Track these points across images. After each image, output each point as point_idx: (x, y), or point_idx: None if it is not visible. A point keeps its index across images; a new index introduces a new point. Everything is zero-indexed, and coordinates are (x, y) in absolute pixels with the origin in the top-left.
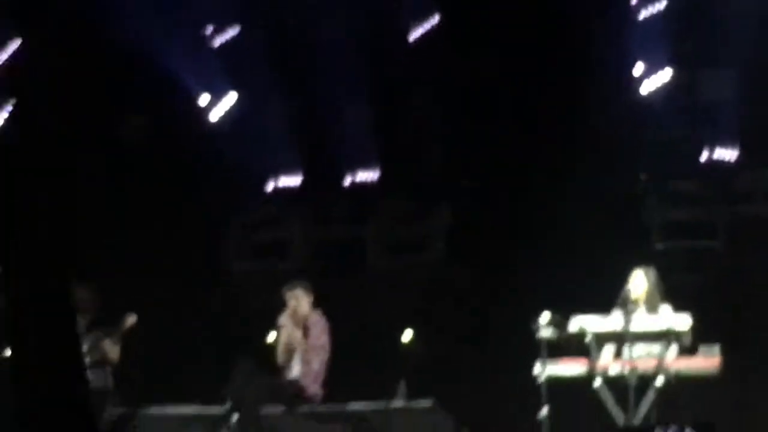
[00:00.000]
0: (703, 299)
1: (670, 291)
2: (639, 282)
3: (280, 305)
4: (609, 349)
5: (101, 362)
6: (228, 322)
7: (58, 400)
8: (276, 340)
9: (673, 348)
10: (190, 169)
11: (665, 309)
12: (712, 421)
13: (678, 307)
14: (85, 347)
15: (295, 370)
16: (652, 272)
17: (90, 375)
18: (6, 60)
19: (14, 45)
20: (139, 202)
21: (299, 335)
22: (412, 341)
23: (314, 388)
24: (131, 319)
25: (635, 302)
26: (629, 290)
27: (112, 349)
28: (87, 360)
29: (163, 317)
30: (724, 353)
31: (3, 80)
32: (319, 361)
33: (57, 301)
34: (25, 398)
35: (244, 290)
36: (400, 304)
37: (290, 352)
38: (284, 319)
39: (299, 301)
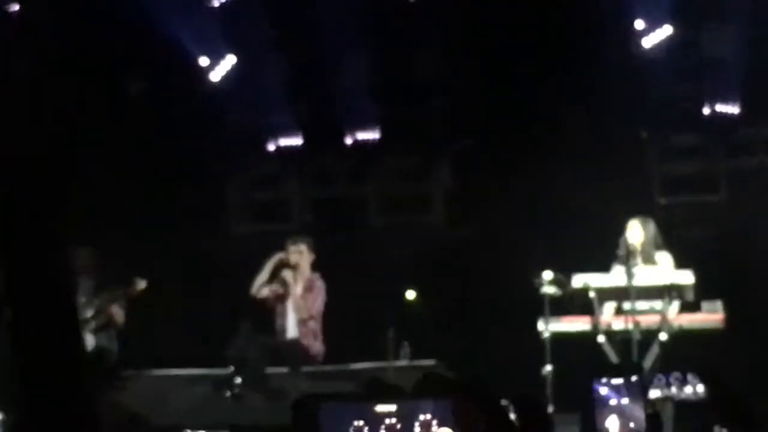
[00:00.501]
0: (705, 253)
1: (672, 245)
2: (636, 232)
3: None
4: (611, 305)
5: (107, 326)
6: (229, 283)
7: (55, 367)
8: (263, 274)
9: (676, 303)
10: (192, 131)
11: (663, 258)
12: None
13: (680, 261)
14: (91, 311)
15: (291, 329)
16: (651, 223)
17: (95, 338)
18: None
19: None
20: (140, 165)
21: (299, 292)
22: (415, 300)
23: (317, 347)
24: (141, 284)
25: (632, 253)
26: (627, 241)
27: (117, 313)
28: (93, 324)
29: (164, 279)
30: (727, 308)
31: None
32: (315, 321)
33: (54, 265)
34: (23, 362)
35: (246, 251)
36: (401, 263)
37: (279, 302)
38: (286, 272)
39: (302, 256)
